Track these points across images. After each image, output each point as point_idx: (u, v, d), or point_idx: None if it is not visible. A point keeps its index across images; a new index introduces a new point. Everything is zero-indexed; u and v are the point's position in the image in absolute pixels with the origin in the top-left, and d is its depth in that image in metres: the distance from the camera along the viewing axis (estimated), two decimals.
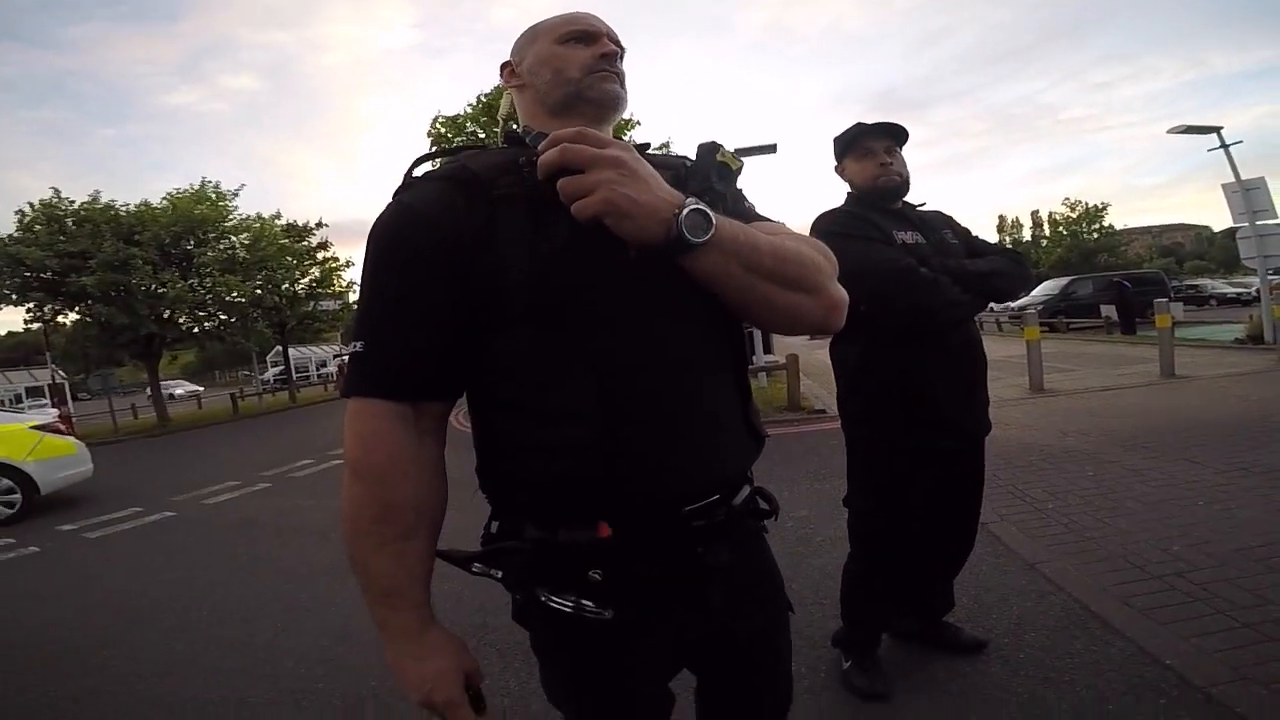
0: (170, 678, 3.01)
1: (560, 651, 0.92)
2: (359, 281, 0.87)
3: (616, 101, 0.96)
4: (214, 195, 19.47)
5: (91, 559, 5.37)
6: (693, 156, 0.97)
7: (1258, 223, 11.04)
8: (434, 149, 0.96)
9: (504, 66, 1.03)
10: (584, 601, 0.83)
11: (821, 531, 3.76)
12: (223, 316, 19.98)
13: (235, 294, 18.71)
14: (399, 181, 0.88)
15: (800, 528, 3.94)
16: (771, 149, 11.75)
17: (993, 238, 63.49)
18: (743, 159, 0.97)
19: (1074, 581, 2.85)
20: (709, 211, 0.79)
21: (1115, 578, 2.84)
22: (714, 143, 0.97)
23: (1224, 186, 11.58)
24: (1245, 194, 11.12)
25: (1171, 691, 2.05)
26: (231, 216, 19.92)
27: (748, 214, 0.96)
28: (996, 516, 3.74)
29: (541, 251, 0.80)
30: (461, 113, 14.21)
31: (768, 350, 11.15)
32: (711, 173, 0.93)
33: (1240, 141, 12.04)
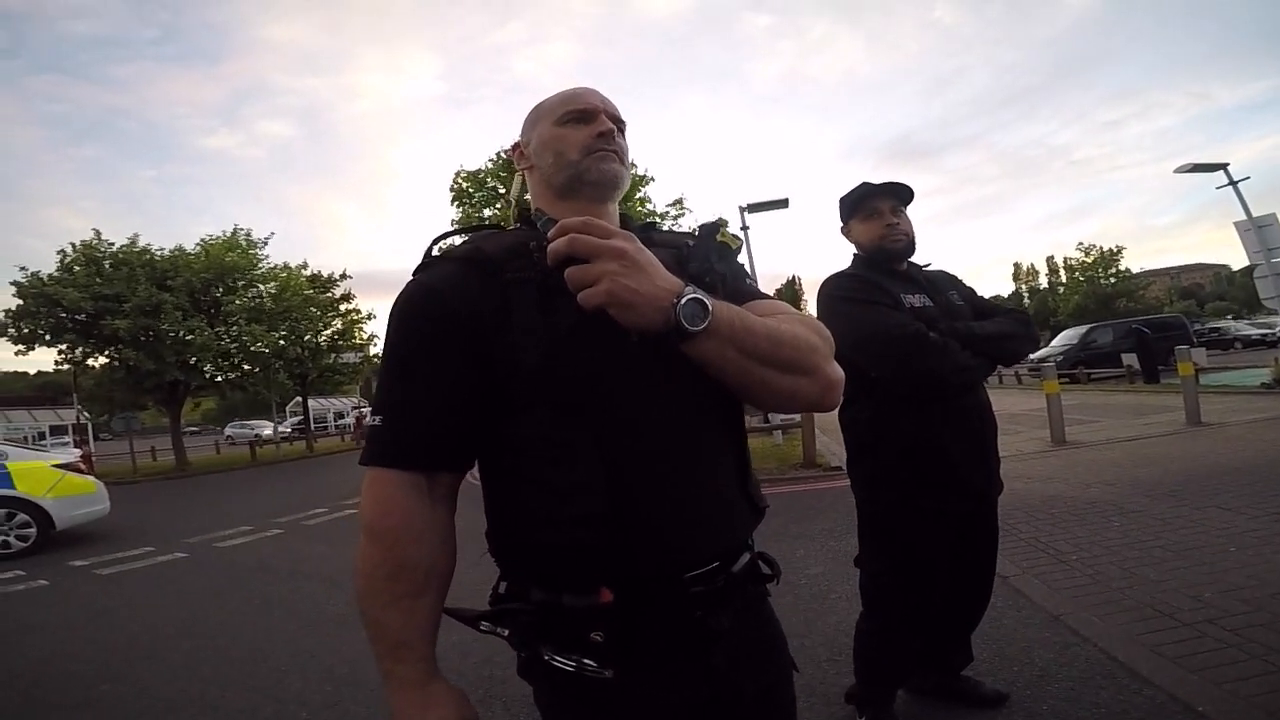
0: (173, 714, 3.01)
1: (563, 708, 0.93)
2: (380, 355, 0.93)
3: (616, 180, 0.99)
4: (245, 243, 20.06)
5: (101, 595, 5.40)
6: (696, 234, 1.03)
7: (1274, 260, 10.92)
8: (453, 227, 1.00)
9: (514, 147, 1.08)
10: (586, 661, 0.85)
11: (836, 589, 3.69)
12: (246, 366, 20.30)
13: (260, 344, 19.07)
14: (421, 256, 0.94)
15: (814, 585, 3.87)
16: (784, 204, 11.92)
17: (1009, 286, 63.56)
18: (741, 238, 1.02)
19: (1099, 632, 2.76)
20: (706, 300, 0.83)
21: (1143, 626, 2.74)
22: (714, 223, 1.03)
23: (1236, 224, 11.52)
24: (1258, 231, 11.03)
25: None
26: (260, 265, 20.46)
27: (748, 293, 1.00)
28: (1018, 570, 3.65)
29: (551, 336, 0.84)
30: (482, 168, 14.63)
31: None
32: (711, 253, 0.99)
33: (1248, 178, 12.02)
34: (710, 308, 0.83)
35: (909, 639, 2.14)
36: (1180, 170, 12.86)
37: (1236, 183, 12.04)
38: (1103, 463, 6.58)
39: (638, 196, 14.23)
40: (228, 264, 18.92)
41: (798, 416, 9.01)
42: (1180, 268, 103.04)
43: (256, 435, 29.49)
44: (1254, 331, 28.42)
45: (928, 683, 2.38)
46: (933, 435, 2.00)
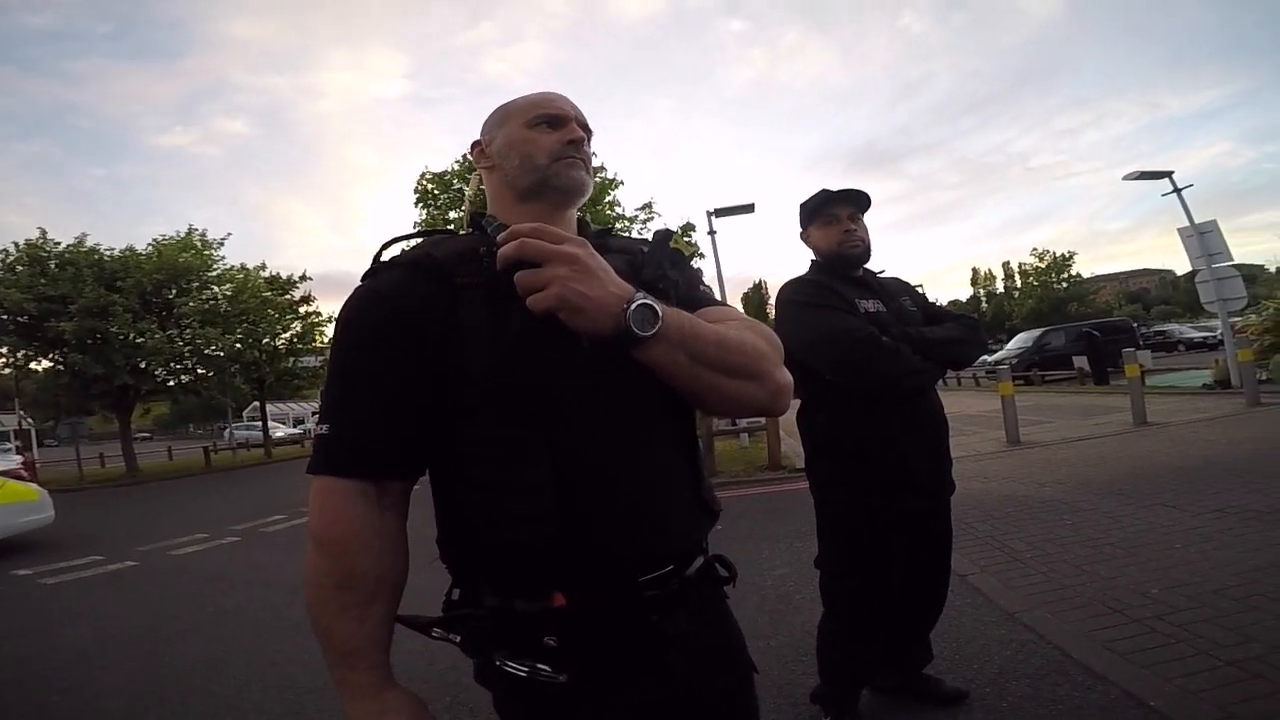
0: None
1: (520, 713, 0.93)
2: (329, 361, 0.91)
3: (581, 188, 1.00)
4: (200, 243, 19.47)
5: (47, 604, 5.22)
6: (650, 240, 1.03)
7: (1214, 265, 11.32)
8: (406, 233, 0.99)
9: (475, 145, 1.07)
10: (539, 666, 0.85)
11: (802, 589, 3.72)
12: (200, 370, 19.70)
13: (214, 347, 18.54)
14: (368, 264, 0.93)
15: (780, 585, 3.90)
16: (750, 209, 12.05)
17: (967, 291, 65.19)
18: (695, 244, 1.03)
19: (1054, 629, 2.84)
20: (656, 306, 0.83)
21: (1096, 623, 2.83)
22: (667, 230, 1.04)
23: (1180, 231, 11.95)
24: (1200, 237, 11.44)
25: None
26: (216, 266, 19.89)
27: (700, 300, 1.00)
28: (976, 568, 3.74)
29: (501, 340, 0.84)
30: (448, 169, 14.45)
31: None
32: (665, 260, 0.98)
33: (1191, 185, 12.46)
34: (660, 313, 0.83)
35: (869, 638, 2.18)
36: (1128, 177, 13.33)
37: (1180, 190, 12.51)
38: (1055, 462, 6.80)
39: (607, 200, 14.21)
40: (181, 265, 18.34)
41: (762, 419, 9.12)
42: (1129, 273, 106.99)
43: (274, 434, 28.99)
44: (1196, 334, 29.65)
45: (890, 681, 2.42)
46: (886, 437, 2.05)
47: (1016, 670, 2.55)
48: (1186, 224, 11.88)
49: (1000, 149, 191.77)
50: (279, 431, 31.64)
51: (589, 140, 1.03)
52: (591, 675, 0.87)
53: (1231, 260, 11.52)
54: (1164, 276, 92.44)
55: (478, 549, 0.88)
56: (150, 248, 18.82)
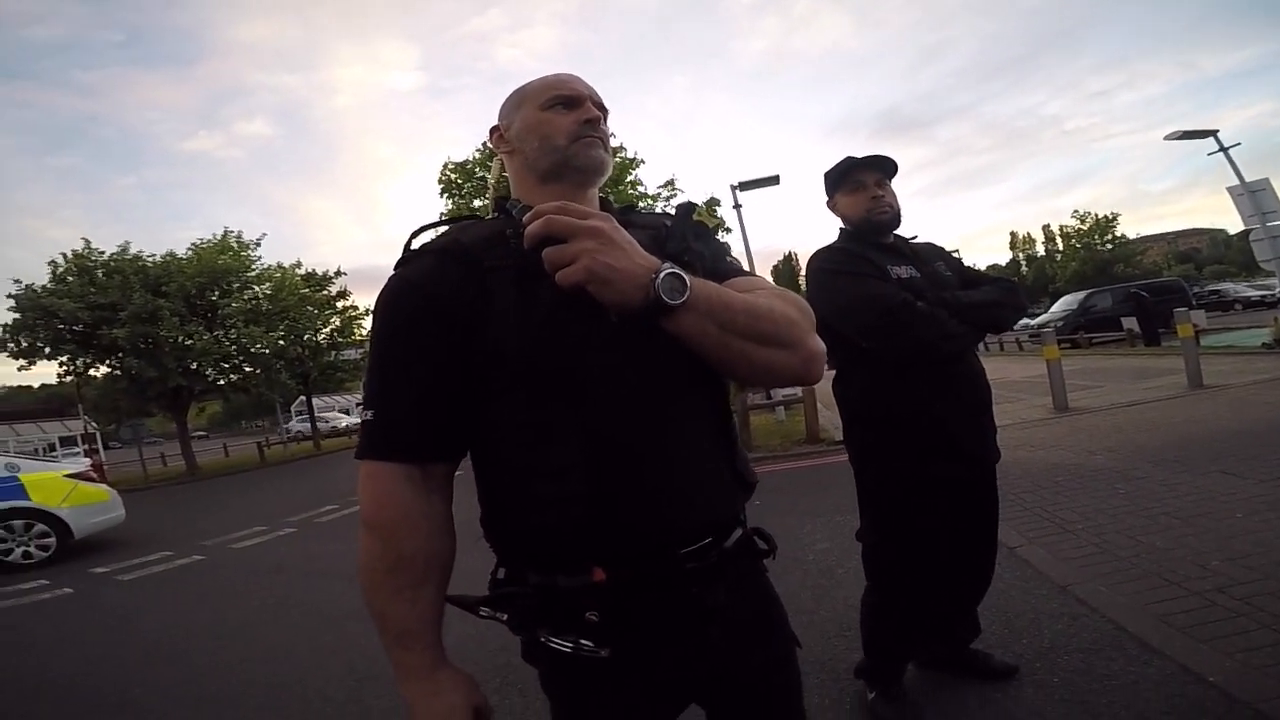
0: (197, 714, 3.08)
1: (565, 689, 0.96)
2: (369, 349, 0.95)
3: (601, 167, 1.00)
4: (236, 245, 19.98)
5: (124, 601, 5.48)
6: (673, 214, 1.04)
7: (1269, 223, 10.87)
8: (433, 221, 1.01)
9: (493, 130, 1.08)
10: (583, 641, 0.87)
11: (844, 564, 3.71)
12: (247, 368, 20.32)
13: (259, 345, 19.07)
14: (400, 253, 0.95)
15: (822, 560, 3.90)
16: (775, 180, 11.87)
17: (1005, 256, 63.43)
18: (720, 216, 1.03)
19: (1108, 602, 2.78)
20: (684, 275, 0.84)
21: (1152, 596, 2.76)
22: (690, 203, 1.04)
23: (1229, 189, 11.45)
24: (1251, 196, 10.98)
25: (1217, 709, 1.98)
26: (254, 266, 20.40)
27: (726, 270, 1.00)
28: (1024, 540, 3.67)
29: (531, 320, 0.85)
30: (470, 158, 14.53)
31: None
32: (689, 233, 0.99)
33: (1239, 144, 12.01)
34: (688, 282, 0.84)
35: (913, 611, 2.16)
36: (1170, 137, 12.82)
37: (1227, 149, 12.00)
38: (1105, 429, 6.60)
39: (629, 179, 14.15)
40: (220, 267, 18.85)
41: (799, 391, 9.03)
42: (1177, 233, 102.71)
43: (333, 427, 30.67)
44: (1253, 293, 28.37)
45: (937, 656, 2.41)
46: (923, 403, 2.01)
47: (1068, 644, 2.51)
48: (1236, 183, 11.37)
49: (1031, 112, 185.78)
50: (343, 421, 32.52)
51: (605, 118, 1.04)
52: (634, 649, 0.89)
53: None
54: (1215, 236, 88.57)
55: (516, 529, 0.91)
56: (190, 252, 19.37)
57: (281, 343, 20.37)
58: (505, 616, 0.92)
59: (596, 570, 0.86)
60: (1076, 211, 49.67)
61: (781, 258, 71.00)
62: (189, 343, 17.87)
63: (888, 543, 2.15)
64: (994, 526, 2.25)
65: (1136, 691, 2.14)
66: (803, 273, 2.40)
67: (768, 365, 0.92)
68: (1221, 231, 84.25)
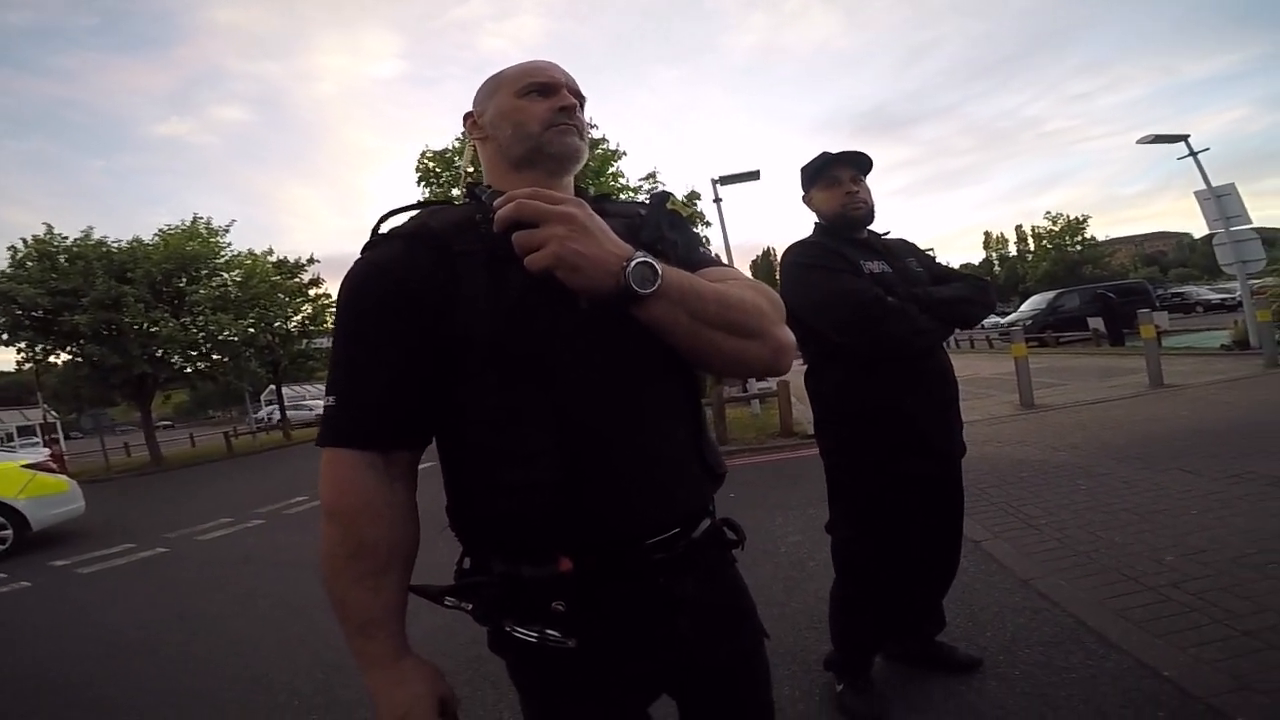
0: (167, 708, 3.03)
1: (534, 679, 0.95)
2: (332, 335, 0.92)
3: (576, 155, 0.99)
4: (205, 231, 19.52)
5: (85, 594, 5.35)
6: (648, 203, 1.04)
7: (1232, 228, 11.16)
8: (402, 205, 0.99)
9: (467, 116, 1.06)
10: (549, 631, 0.87)
11: (815, 556, 3.74)
12: (215, 356, 19.90)
13: (227, 332, 18.69)
14: (366, 238, 0.93)
15: (794, 552, 3.93)
16: (755, 176, 11.92)
17: (980, 255, 64.44)
18: (697, 208, 1.03)
19: (1068, 596, 2.85)
20: (655, 264, 0.84)
21: (1110, 591, 2.83)
22: (665, 192, 1.04)
23: (1196, 194, 11.75)
24: (1217, 200, 11.26)
25: (1171, 703, 2.03)
26: (223, 253, 19.97)
27: (699, 260, 1.00)
28: (989, 534, 3.74)
29: (501, 305, 0.84)
30: (449, 147, 14.37)
31: (761, 378, 11.18)
32: (663, 221, 0.99)
33: (1208, 149, 12.26)
34: (660, 271, 0.84)
35: (881, 604, 2.20)
36: (1143, 141, 13.09)
37: (1197, 154, 12.28)
38: (1070, 425, 6.76)
39: (610, 171, 14.10)
40: (189, 253, 18.39)
41: (773, 385, 9.10)
42: (1144, 235, 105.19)
43: (317, 415, 29.37)
44: (1215, 296, 29.13)
45: (903, 648, 2.45)
46: (895, 399, 2.04)
47: (1029, 638, 2.57)
48: (1204, 187, 11.67)
49: (1012, 113, 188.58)
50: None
51: (582, 106, 1.03)
52: (601, 640, 0.88)
53: (1250, 223, 11.33)
54: (1181, 239, 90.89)
55: (482, 517, 0.90)
56: (157, 238, 18.86)
57: (251, 330, 19.96)
58: (470, 606, 0.91)
59: (563, 560, 0.86)
60: (1049, 213, 50.76)
61: (760, 253, 71.38)
62: (154, 330, 17.43)
63: (858, 536, 2.18)
64: (959, 520, 2.29)
65: (1095, 685, 2.20)
66: (779, 267, 2.41)
67: (738, 355, 0.92)
68: (1187, 235, 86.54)
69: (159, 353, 17.92)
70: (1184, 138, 12.57)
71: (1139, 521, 3.62)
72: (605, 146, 14.19)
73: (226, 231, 20.12)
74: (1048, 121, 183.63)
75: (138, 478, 16.47)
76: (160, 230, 19.22)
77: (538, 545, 0.86)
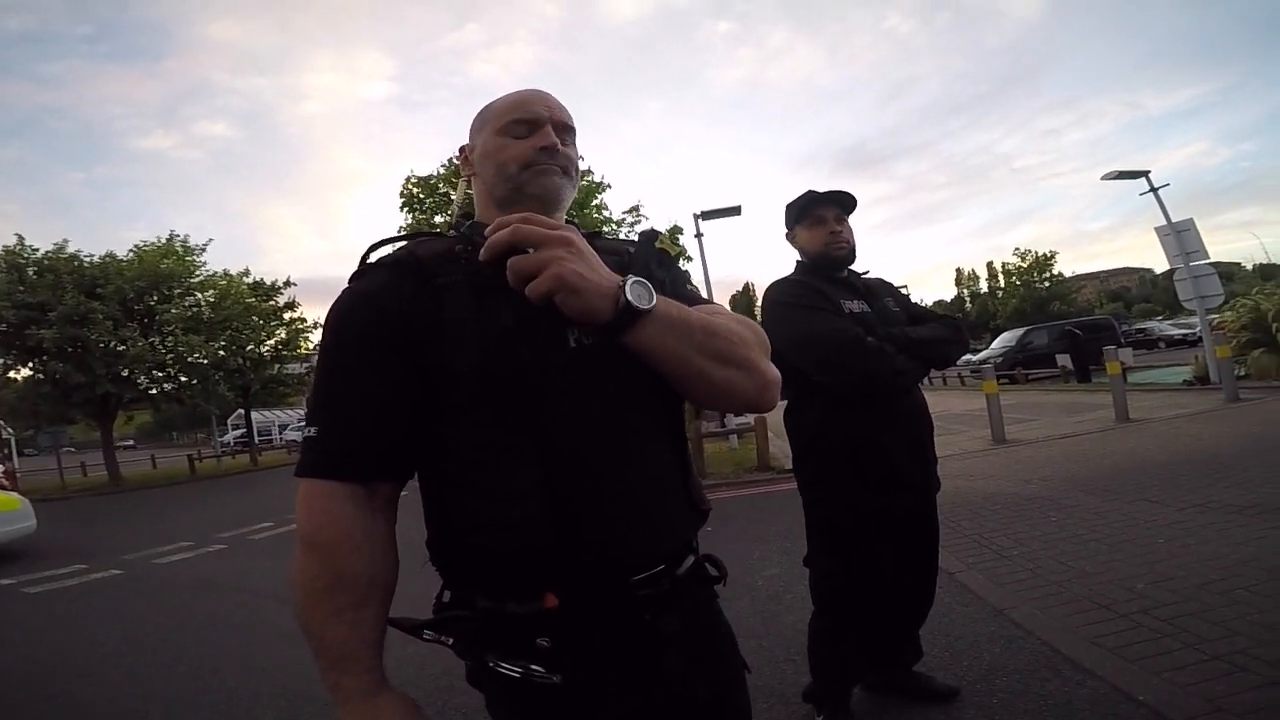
0: None
1: (514, 715, 0.93)
2: (316, 363, 0.91)
3: (557, 196, 0.98)
4: (181, 249, 19.29)
5: (32, 614, 5.17)
6: (636, 241, 1.04)
7: (1191, 264, 11.41)
8: (392, 235, 0.98)
9: (461, 150, 1.06)
10: (533, 667, 0.85)
11: (793, 589, 3.74)
12: (183, 378, 19.50)
13: (198, 354, 18.36)
14: (357, 264, 0.93)
15: (771, 585, 3.92)
16: (737, 211, 12.13)
17: (952, 291, 66.00)
18: (681, 245, 1.04)
19: (1043, 625, 2.87)
20: (649, 284, 0.84)
21: (1083, 619, 2.87)
22: (653, 231, 1.04)
23: (1157, 229, 12.02)
24: (1177, 236, 11.51)
25: None
26: (198, 272, 19.73)
27: (688, 297, 1.00)
28: (964, 566, 3.77)
29: (488, 338, 0.84)
30: (434, 173, 14.41)
31: (739, 413, 11.24)
32: (651, 260, 0.98)
33: (1168, 184, 12.52)
34: (653, 292, 0.84)
35: (859, 636, 2.20)
36: (1107, 177, 13.44)
37: (1157, 189, 12.65)
38: (1040, 460, 6.87)
39: (594, 204, 14.24)
40: (163, 271, 18.14)
41: (751, 420, 9.15)
42: (1109, 271, 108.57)
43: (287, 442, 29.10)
44: (1176, 332, 29.96)
45: (882, 679, 2.44)
46: (872, 436, 2.07)
47: (1006, 666, 2.58)
48: (1164, 223, 12.03)
49: (986, 149, 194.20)
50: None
51: (573, 139, 1.02)
52: (586, 676, 0.86)
53: (1208, 258, 11.61)
54: (1144, 275, 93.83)
55: (467, 552, 0.88)
56: (131, 254, 18.62)
57: (222, 353, 19.65)
58: (450, 640, 0.90)
59: (549, 596, 0.84)
60: (1018, 249, 52.20)
61: (740, 288, 72.42)
62: (121, 348, 17.06)
63: (836, 569, 2.19)
64: (935, 553, 2.32)
65: (1071, 711, 2.21)
66: (759, 303, 2.45)
67: (726, 386, 0.91)
68: (1150, 270, 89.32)
69: (125, 372, 17.54)
70: (1145, 173, 12.91)
71: (1109, 551, 3.68)
72: (590, 178, 14.34)
73: (203, 250, 19.94)
74: (1019, 157, 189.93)
75: (95, 498, 16.01)
76: (135, 246, 19.00)
77: (522, 581, 0.85)
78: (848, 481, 2.10)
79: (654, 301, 0.84)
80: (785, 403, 2.25)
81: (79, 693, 3.39)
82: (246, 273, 22.22)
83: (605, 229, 14.01)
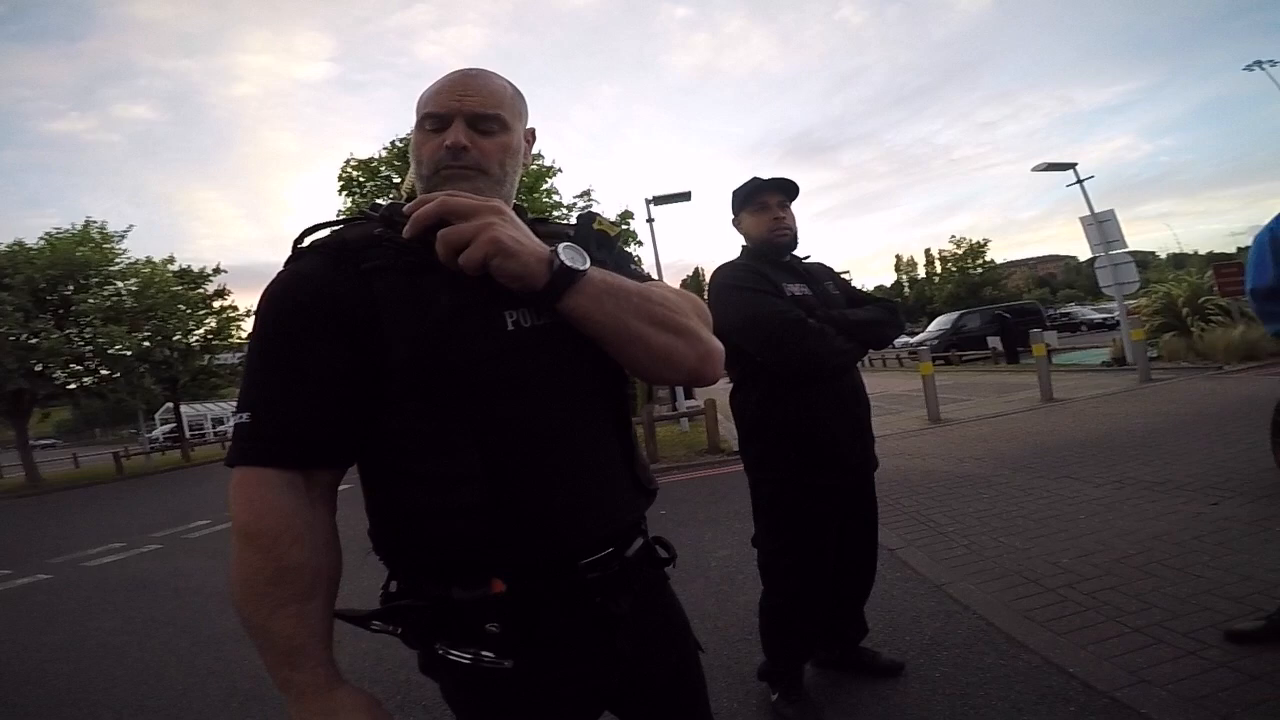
0: None
1: (470, 702, 0.92)
2: (247, 350, 0.87)
3: None
4: (99, 236, 18.18)
5: None
6: (576, 224, 1.05)
7: (1111, 252, 12.07)
8: (327, 220, 0.94)
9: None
10: (483, 653, 0.85)
11: (744, 570, 3.82)
12: (105, 371, 18.45)
13: (119, 346, 17.39)
14: (289, 251, 0.91)
15: (724, 566, 4.01)
16: (687, 196, 12.23)
17: (891, 277, 67.92)
18: (621, 225, 1.05)
19: (978, 600, 3.03)
20: (582, 250, 0.86)
21: (1015, 593, 3.03)
22: (591, 213, 1.06)
23: (1081, 219, 12.67)
24: (1098, 226, 12.16)
25: (1079, 698, 2.16)
26: (118, 260, 18.63)
27: (632, 276, 1.00)
28: (904, 542, 3.94)
29: (421, 328, 0.82)
30: (376, 156, 13.97)
31: (689, 396, 11.40)
32: (590, 242, 0.98)
33: (1092, 177, 13.33)
34: (586, 257, 0.85)
35: (806, 613, 2.28)
36: (1037, 169, 14.10)
37: (1082, 181, 13.37)
38: (973, 438, 7.21)
39: (544, 188, 14.08)
40: (78, 260, 17.08)
41: (701, 402, 9.27)
42: (1038, 258, 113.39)
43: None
44: (1097, 316, 31.59)
45: (832, 656, 2.55)
46: (813, 416, 2.15)
47: (946, 640, 2.71)
48: (1088, 213, 12.67)
49: (926, 140, 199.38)
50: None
51: (501, 124, 0.95)
52: (540, 660, 0.87)
53: (1126, 247, 12.30)
54: (1069, 262, 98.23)
55: (411, 541, 0.87)
56: (43, 242, 17.45)
57: (146, 344, 18.65)
58: (399, 630, 0.88)
59: (495, 582, 0.83)
60: (953, 237, 54.13)
61: (691, 272, 72.99)
62: (34, 341, 16.03)
63: (781, 548, 2.27)
64: (875, 530, 2.43)
65: (1009, 684, 2.34)
66: (707, 287, 2.50)
67: (666, 354, 0.90)
68: (1074, 258, 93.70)
69: (39, 367, 16.47)
70: (1072, 166, 13.63)
71: (1036, 527, 3.90)
72: (540, 163, 14.15)
73: (123, 237, 18.88)
74: (957, 148, 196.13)
75: (13, 501, 15.06)
76: (47, 234, 17.79)
77: (469, 568, 0.84)
78: (791, 461, 2.17)
79: (587, 264, 0.85)
80: (733, 384, 2.32)
81: (24, 700, 3.25)
82: (171, 260, 21.11)
83: (555, 214, 13.88)
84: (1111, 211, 12.22)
